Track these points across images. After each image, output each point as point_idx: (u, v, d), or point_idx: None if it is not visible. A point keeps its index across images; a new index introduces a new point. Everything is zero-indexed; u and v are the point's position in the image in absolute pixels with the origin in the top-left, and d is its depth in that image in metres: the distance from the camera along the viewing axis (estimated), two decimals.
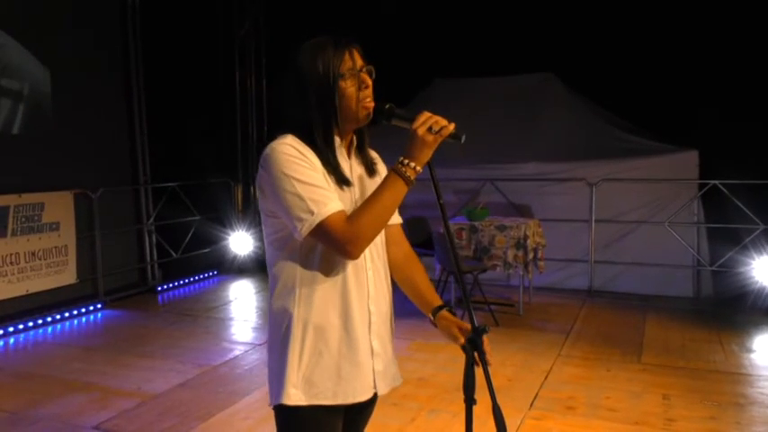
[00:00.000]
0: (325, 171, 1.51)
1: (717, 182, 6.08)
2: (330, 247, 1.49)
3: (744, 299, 5.80)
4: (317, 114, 1.52)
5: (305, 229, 1.45)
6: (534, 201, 6.79)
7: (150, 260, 7.05)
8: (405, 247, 1.77)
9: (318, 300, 1.53)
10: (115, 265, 6.51)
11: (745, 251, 5.92)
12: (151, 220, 7.03)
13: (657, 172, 6.37)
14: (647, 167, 6.42)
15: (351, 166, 1.62)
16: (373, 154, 1.72)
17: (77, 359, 4.67)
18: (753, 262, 5.83)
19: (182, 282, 7.18)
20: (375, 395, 1.63)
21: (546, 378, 4.15)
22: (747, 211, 5.86)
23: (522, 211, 6.74)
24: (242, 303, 6.44)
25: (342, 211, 1.47)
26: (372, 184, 1.61)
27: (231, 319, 5.88)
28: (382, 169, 1.71)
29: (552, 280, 6.65)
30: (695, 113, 6.50)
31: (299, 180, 1.46)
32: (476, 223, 5.77)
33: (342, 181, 1.54)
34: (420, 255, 6.51)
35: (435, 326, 1.67)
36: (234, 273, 7.69)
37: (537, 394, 3.87)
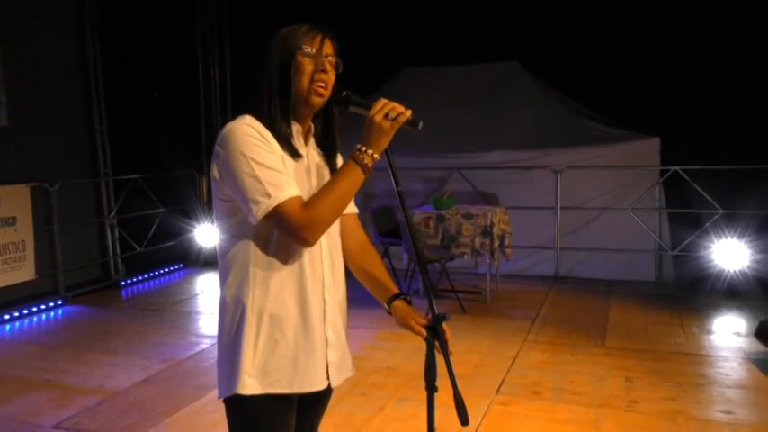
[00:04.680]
0: (283, 154, 1.49)
1: (677, 168, 6.20)
2: (285, 232, 1.46)
3: (703, 282, 5.94)
4: (275, 86, 1.50)
5: (260, 212, 1.42)
6: (500, 189, 6.84)
7: (113, 254, 6.90)
8: (360, 236, 1.75)
9: (275, 288, 1.50)
10: (76, 260, 6.34)
11: (705, 235, 6.07)
12: (113, 213, 6.87)
13: (620, 159, 6.48)
14: (611, 155, 6.52)
15: (308, 153, 1.59)
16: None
17: (37, 357, 4.54)
18: (712, 246, 5.98)
19: (146, 276, 7.05)
20: (329, 388, 1.61)
21: (512, 364, 4.19)
22: (707, 196, 6.00)
23: (489, 200, 6.79)
24: (208, 296, 6.35)
25: (299, 197, 1.45)
26: (327, 177, 1.59)
27: (197, 312, 5.79)
28: (341, 162, 1.69)
29: (519, 267, 6.72)
30: (656, 101, 6.62)
31: (257, 162, 1.43)
32: (443, 212, 5.79)
33: (293, 154, 1.51)
34: (388, 244, 6.47)
35: (390, 314, 1.66)
36: (200, 265, 7.58)
37: (503, 380, 3.91)
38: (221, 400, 1.57)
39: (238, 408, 1.53)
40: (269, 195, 1.41)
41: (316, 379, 1.56)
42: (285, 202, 1.42)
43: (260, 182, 1.42)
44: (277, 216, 1.42)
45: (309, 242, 1.47)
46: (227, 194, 1.49)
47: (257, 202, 1.42)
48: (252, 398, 1.50)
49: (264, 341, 1.50)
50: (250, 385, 1.49)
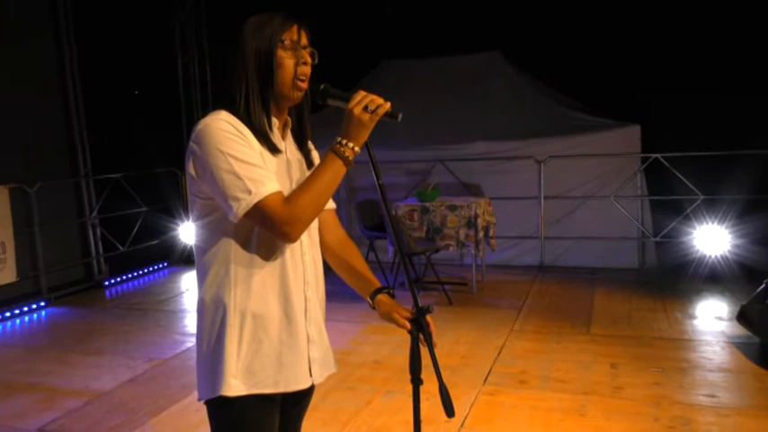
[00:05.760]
0: (262, 149, 1.46)
1: (658, 155, 6.25)
2: (267, 228, 1.44)
3: (685, 267, 6.01)
4: (254, 80, 1.47)
5: (241, 209, 1.39)
6: (484, 179, 6.85)
7: (95, 254, 6.82)
8: (339, 231, 1.73)
9: (257, 286, 1.48)
10: (58, 261, 6.26)
11: (686, 221, 6.13)
12: (94, 213, 6.78)
13: (602, 147, 6.51)
14: (593, 143, 6.55)
15: (286, 147, 1.57)
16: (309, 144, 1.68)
17: (20, 360, 4.49)
18: (693, 231, 6.05)
19: (130, 275, 6.98)
20: (312, 385, 1.61)
21: (499, 354, 4.21)
22: (687, 183, 6.06)
23: (473, 191, 6.80)
24: (193, 295, 6.31)
25: (280, 192, 1.42)
26: (306, 171, 1.58)
27: (183, 311, 5.75)
28: (317, 158, 1.67)
29: (504, 257, 6.76)
30: (636, 89, 6.67)
31: (235, 158, 1.40)
32: (427, 204, 5.79)
33: (272, 149, 1.49)
34: (373, 237, 6.47)
35: (374, 308, 1.65)
36: (184, 263, 7.53)
37: (490, 370, 3.93)
38: (202, 401, 1.54)
39: (222, 409, 1.51)
40: (249, 192, 1.39)
41: (300, 377, 1.55)
42: (266, 197, 1.39)
43: (239, 178, 1.39)
44: (258, 212, 1.40)
45: (292, 238, 1.45)
46: (205, 192, 1.47)
47: (237, 199, 1.39)
48: (236, 399, 1.48)
49: (248, 341, 1.48)
50: (235, 386, 1.47)
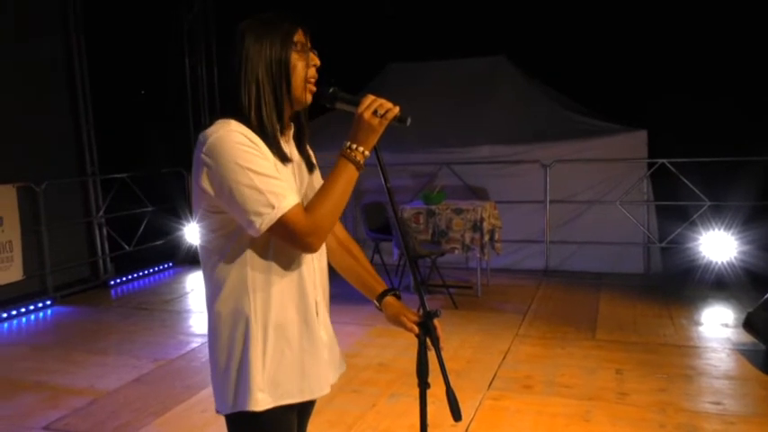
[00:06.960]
0: (275, 159, 1.43)
1: (665, 160, 6.23)
2: (289, 241, 1.41)
3: (691, 273, 5.99)
4: (266, 86, 1.44)
5: (264, 224, 1.36)
6: (490, 183, 6.85)
7: (102, 254, 6.85)
8: (341, 232, 1.72)
9: (276, 297, 1.46)
10: (64, 260, 6.30)
11: (692, 227, 6.11)
12: (101, 212, 6.82)
13: (608, 152, 6.50)
14: (599, 148, 6.54)
15: (291, 152, 1.56)
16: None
17: (26, 358, 4.51)
18: (700, 237, 6.02)
19: (135, 275, 7.01)
20: None
21: (504, 358, 4.21)
22: (694, 189, 6.04)
23: (479, 194, 6.80)
24: (198, 295, 6.32)
25: (300, 204, 1.40)
26: (311, 177, 1.58)
27: (188, 311, 5.77)
28: (314, 160, 1.67)
29: (509, 261, 6.75)
30: (643, 94, 6.65)
31: (254, 171, 1.35)
32: (433, 207, 5.79)
33: (283, 158, 1.47)
34: (378, 240, 6.48)
35: (381, 310, 1.65)
36: (189, 264, 7.54)
37: (495, 374, 3.92)
38: (222, 414, 1.52)
39: (246, 423, 1.48)
40: (272, 206, 1.36)
41: (322, 383, 1.55)
42: (289, 211, 1.37)
43: (261, 192, 1.35)
44: (281, 226, 1.37)
45: (315, 248, 1.44)
46: (218, 206, 1.42)
47: (260, 214, 1.36)
48: (261, 412, 1.45)
49: (272, 353, 1.46)
50: (262, 400, 1.44)
